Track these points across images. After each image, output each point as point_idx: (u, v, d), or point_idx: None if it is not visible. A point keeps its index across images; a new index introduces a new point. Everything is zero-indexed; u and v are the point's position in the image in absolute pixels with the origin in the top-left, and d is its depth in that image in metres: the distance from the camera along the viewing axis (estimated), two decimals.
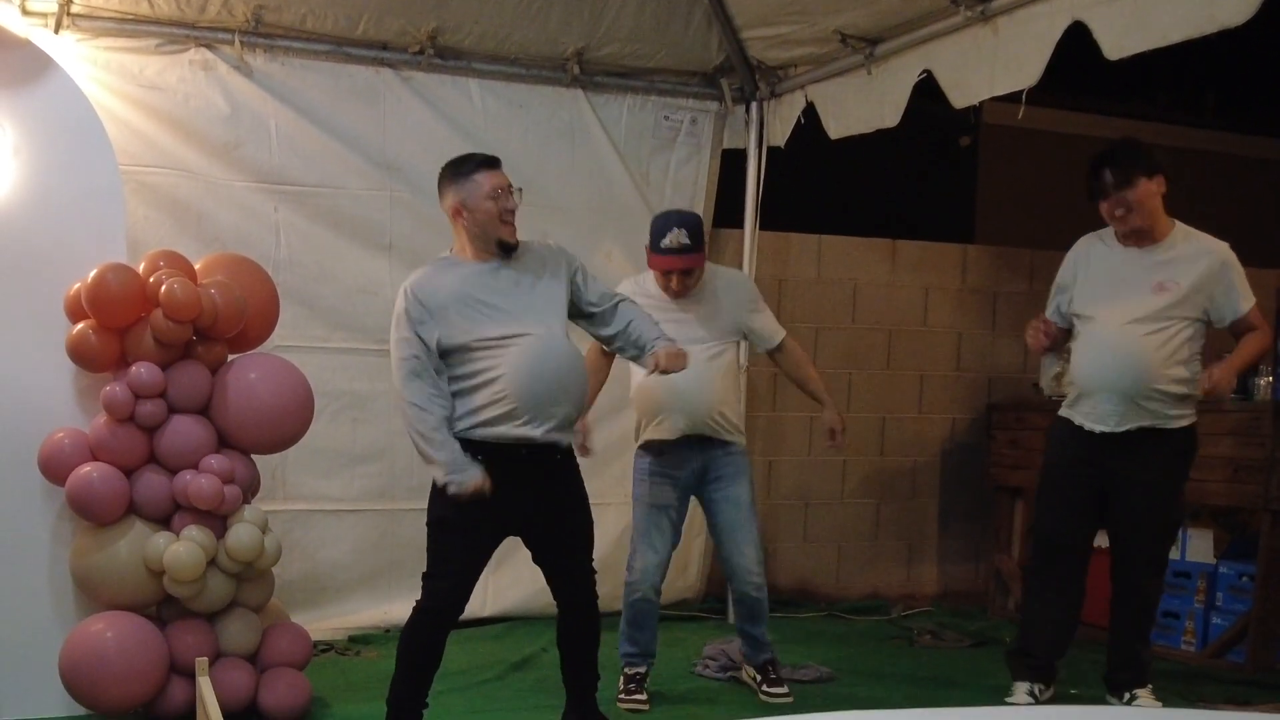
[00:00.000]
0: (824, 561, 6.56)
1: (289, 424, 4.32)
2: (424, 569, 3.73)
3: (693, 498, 4.59)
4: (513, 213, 3.70)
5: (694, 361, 4.03)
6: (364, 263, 5.40)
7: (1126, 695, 4.38)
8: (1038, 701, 4.38)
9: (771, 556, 6.40)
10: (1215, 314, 4.19)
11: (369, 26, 5.29)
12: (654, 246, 4.38)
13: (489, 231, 3.68)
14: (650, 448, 4.50)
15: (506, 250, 3.69)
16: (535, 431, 3.62)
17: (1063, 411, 4.42)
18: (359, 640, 5.30)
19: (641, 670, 4.51)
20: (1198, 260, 4.18)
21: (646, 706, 4.44)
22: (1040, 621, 4.46)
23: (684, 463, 4.47)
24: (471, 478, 3.56)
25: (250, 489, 4.25)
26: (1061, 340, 4.44)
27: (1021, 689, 4.41)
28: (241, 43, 5.13)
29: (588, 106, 5.82)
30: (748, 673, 4.76)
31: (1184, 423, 4.21)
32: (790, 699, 4.54)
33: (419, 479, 3.87)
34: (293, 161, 5.29)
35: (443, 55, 5.48)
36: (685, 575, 6.05)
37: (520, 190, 3.72)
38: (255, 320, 4.37)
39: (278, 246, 5.24)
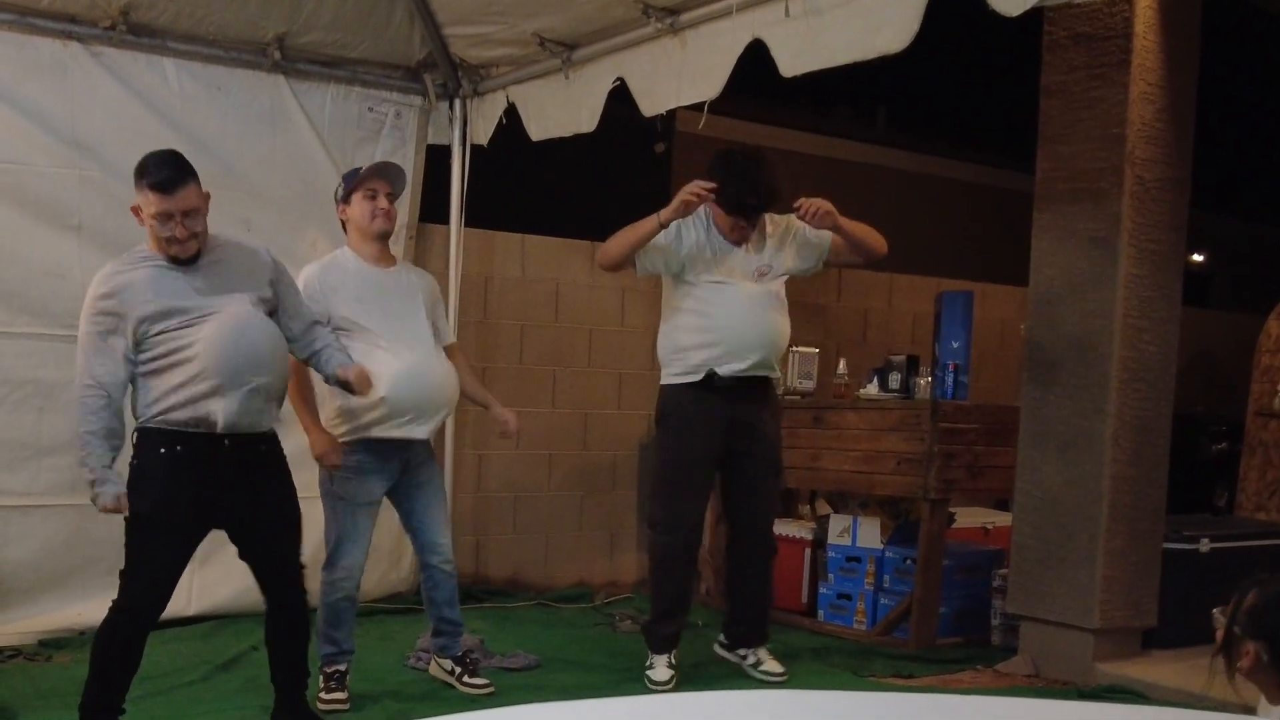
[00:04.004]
0: (533, 552, 6.62)
1: None
2: (121, 566, 3.56)
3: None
4: (180, 240, 3.59)
5: (441, 359, 4.40)
6: (51, 244, 5.05)
7: (753, 657, 4.73)
8: (672, 667, 4.68)
9: (483, 548, 6.45)
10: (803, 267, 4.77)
11: None
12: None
13: (160, 247, 3.63)
14: (373, 445, 4.36)
15: (179, 263, 3.62)
16: (234, 405, 3.55)
17: (679, 380, 4.64)
18: (50, 644, 4.96)
19: (343, 668, 4.38)
20: (783, 249, 4.72)
21: (346, 705, 4.28)
22: (671, 598, 4.74)
23: (394, 457, 4.41)
24: (109, 493, 3.49)
25: None
26: None
27: (661, 661, 4.70)
28: None
29: (290, 93, 5.68)
30: (441, 666, 4.64)
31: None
32: (491, 690, 4.51)
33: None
34: None
35: (136, 32, 5.21)
36: (398, 568, 5.96)
37: (189, 216, 3.58)
38: None
39: None
